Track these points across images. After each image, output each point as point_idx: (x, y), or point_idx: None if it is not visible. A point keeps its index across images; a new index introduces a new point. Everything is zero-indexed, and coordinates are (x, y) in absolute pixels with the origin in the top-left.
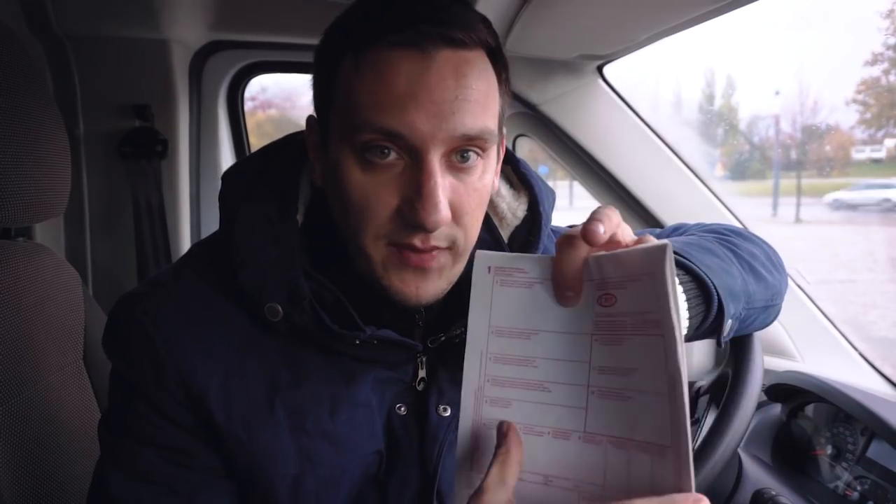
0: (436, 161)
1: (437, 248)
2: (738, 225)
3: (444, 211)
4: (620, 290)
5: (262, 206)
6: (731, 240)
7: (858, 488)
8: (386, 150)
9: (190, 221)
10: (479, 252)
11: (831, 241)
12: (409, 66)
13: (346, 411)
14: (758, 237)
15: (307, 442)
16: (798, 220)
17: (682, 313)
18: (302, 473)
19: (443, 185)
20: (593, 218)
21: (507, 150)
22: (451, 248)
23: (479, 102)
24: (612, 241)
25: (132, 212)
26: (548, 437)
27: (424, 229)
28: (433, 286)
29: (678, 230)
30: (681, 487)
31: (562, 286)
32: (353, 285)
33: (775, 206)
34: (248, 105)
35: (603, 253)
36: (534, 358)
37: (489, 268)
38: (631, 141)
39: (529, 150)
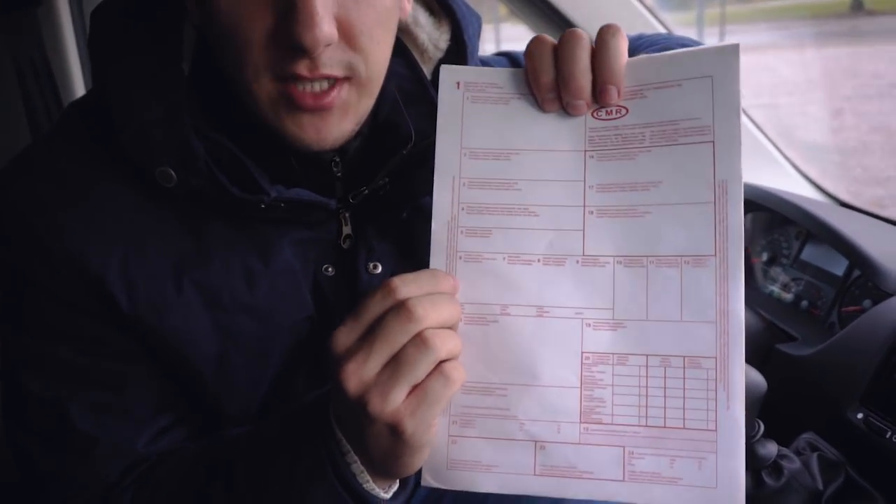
0: None
1: (329, 76)
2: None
3: (325, 26)
4: (638, 100)
5: (140, 52)
6: None
7: (793, 289)
8: None
9: (84, 77)
10: (444, 66)
11: (754, 69)
12: None
13: (266, 281)
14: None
15: (226, 318)
16: None
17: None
18: (225, 351)
19: None
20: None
21: None
22: (352, 78)
23: None
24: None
25: (15, 76)
26: (537, 266)
27: (303, 50)
28: (336, 127)
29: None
30: (727, 295)
31: (543, 91)
32: (257, 140)
33: (700, 34)
34: None
35: (642, 56)
36: (515, 180)
37: (458, 83)
38: None
39: None
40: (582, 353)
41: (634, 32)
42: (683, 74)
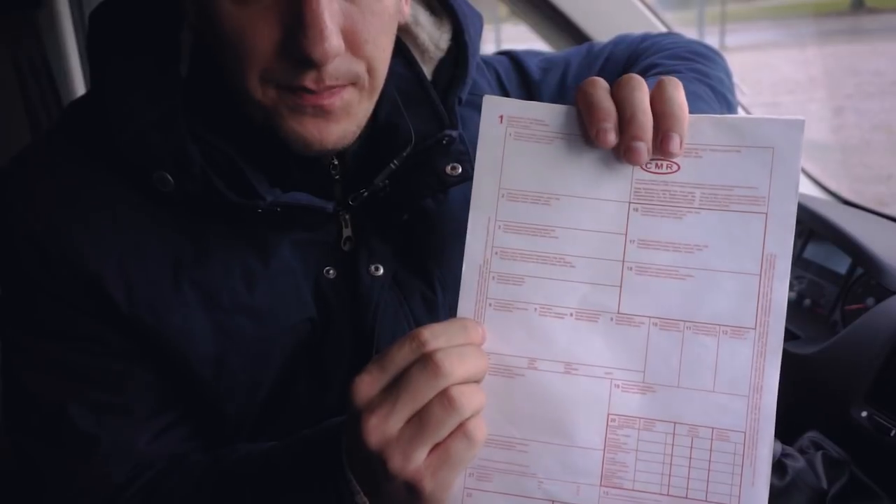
0: None
1: (334, 86)
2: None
3: (334, 39)
4: (692, 158)
5: (136, 54)
6: (702, 69)
7: (796, 287)
8: None
9: (84, 78)
10: (487, 97)
11: (756, 67)
12: None
13: (266, 281)
14: (713, 51)
15: (225, 319)
16: (723, 46)
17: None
18: (224, 352)
19: (329, 8)
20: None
21: None
22: (356, 84)
23: None
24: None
25: (15, 77)
26: (569, 320)
27: (312, 63)
28: (339, 128)
29: (635, 51)
30: (762, 371)
31: (599, 121)
32: (254, 143)
33: (701, 34)
34: None
35: (703, 115)
36: (553, 227)
37: (500, 117)
38: None
39: None
40: (608, 414)
41: (635, 32)
42: (744, 141)
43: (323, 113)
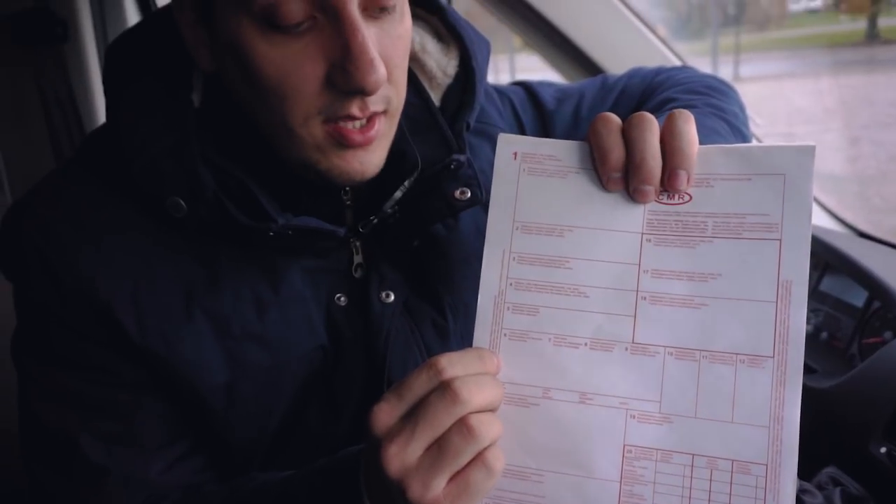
0: (355, 9)
1: (376, 112)
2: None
3: (381, 67)
4: (703, 188)
5: (150, 83)
6: (717, 104)
7: (812, 320)
8: (294, 12)
9: (108, 110)
10: (502, 135)
11: (770, 96)
12: None
13: (276, 309)
14: (727, 85)
15: (235, 347)
16: (737, 76)
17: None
18: (234, 380)
19: (370, 37)
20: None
21: None
22: (388, 110)
23: None
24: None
25: (40, 105)
26: (584, 350)
27: (364, 93)
28: (377, 157)
29: (649, 85)
30: (783, 401)
31: (610, 170)
32: (266, 170)
33: (715, 64)
34: None
35: (713, 146)
36: (567, 258)
37: (514, 154)
38: None
39: (467, 13)
40: (624, 445)
41: (648, 64)
42: (755, 169)
43: (363, 147)
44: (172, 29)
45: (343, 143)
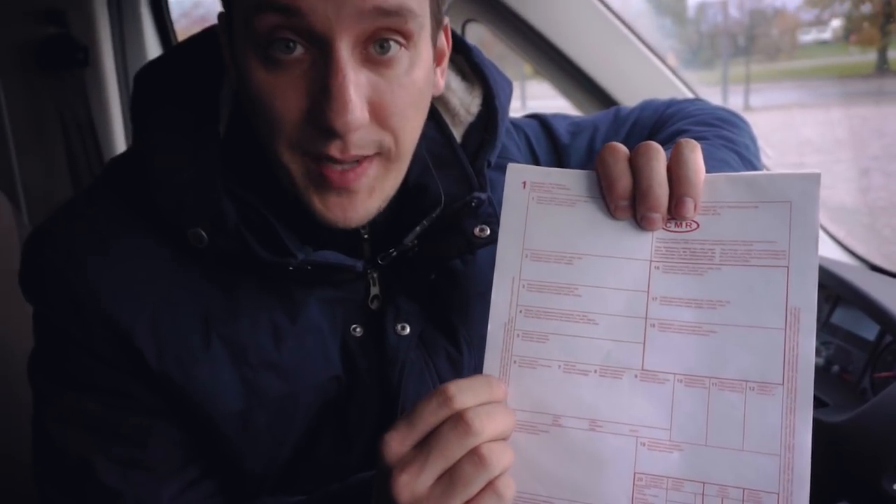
0: (344, 51)
1: (360, 157)
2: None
3: (357, 111)
4: (710, 216)
5: (176, 113)
6: (728, 136)
7: (824, 353)
8: (291, 45)
9: (125, 134)
10: (511, 165)
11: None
12: None
13: (292, 338)
14: (739, 117)
15: (251, 375)
16: (747, 106)
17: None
18: (249, 408)
19: (356, 80)
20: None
21: (456, 36)
22: (381, 153)
23: None
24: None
25: (60, 128)
26: (594, 377)
27: (335, 134)
28: (363, 207)
29: (661, 117)
30: (793, 428)
31: (617, 199)
32: (286, 203)
33: (725, 94)
34: (181, 23)
35: (720, 174)
36: (576, 286)
37: (524, 183)
38: (586, 21)
39: (480, 41)
40: (635, 473)
41: (657, 93)
42: (761, 197)
43: (347, 192)
44: (201, 59)
45: (323, 181)
